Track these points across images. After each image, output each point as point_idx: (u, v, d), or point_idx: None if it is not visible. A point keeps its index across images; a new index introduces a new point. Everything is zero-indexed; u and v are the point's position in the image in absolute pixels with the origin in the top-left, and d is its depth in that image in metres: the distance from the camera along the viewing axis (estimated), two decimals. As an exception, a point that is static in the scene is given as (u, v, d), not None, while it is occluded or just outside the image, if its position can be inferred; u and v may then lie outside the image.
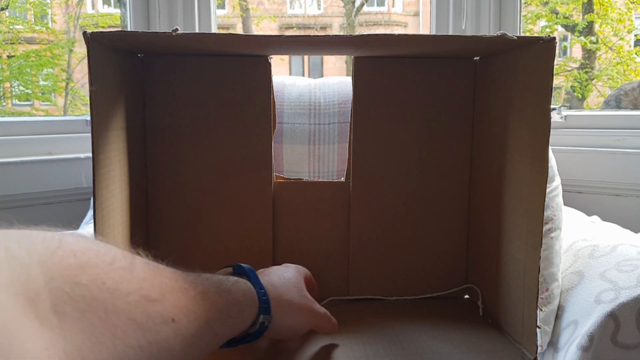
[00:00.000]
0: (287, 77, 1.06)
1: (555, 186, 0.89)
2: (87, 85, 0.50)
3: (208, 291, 0.36)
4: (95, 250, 0.26)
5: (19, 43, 2.68)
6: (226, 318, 0.38)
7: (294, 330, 0.51)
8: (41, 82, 2.78)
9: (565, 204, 0.96)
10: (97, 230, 0.50)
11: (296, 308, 0.49)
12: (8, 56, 2.74)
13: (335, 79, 1.03)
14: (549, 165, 0.66)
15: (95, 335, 0.24)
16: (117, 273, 0.27)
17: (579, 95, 2.37)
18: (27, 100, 2.85)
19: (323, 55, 0.62)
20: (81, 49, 2.67)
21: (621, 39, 2.39)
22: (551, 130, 0.50)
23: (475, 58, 0.67)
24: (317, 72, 4.17)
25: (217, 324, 0.36)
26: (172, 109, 0.65)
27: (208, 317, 0.35)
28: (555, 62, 0.49)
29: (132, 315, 0.26)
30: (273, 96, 0.66)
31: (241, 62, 0.64)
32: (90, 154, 0.49)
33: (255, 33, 0.54)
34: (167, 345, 0.29)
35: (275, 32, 1.23)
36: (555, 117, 1.21)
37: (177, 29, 0.49)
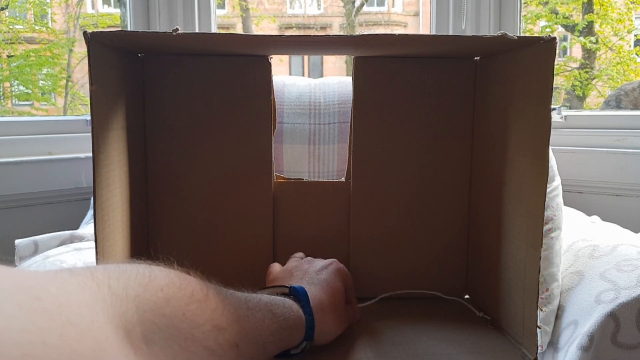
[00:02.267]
0: (287, 77, 1.06)
1: (555, 186, 0.89)
2: (87, 85, 0.50)
3: (265, 317, 0.41)
4: (178, 284, 0.30)
5: (19, 43, 2.68)
6: (278, 341, 0.43)
7: (330, 337, 0.53)
8: (41, 83, 2.78)
9: (565, 204, 0.96)
10: (97, 230, 0.50)
11: (336, 321, 0.53)
12: (8, 56, 2.74)
13: (335, 79, 1.03)
14: (549, 165, 0.66)
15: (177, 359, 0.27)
16: (195, 305, 0.31)
17: (579, 95, 2.38)
18: (27, 100, 2.85)
19: (323, 55, 0.62)
20: (81, 49, 2.67)
21: (621, 39, 2.39)
22: (551, 130, 0.50)
23: (475, 58, 0.67)
24: (317, 72, 4.18)
25: (270, 347, 0.42)
26: (172, 109, 0.65)
27: (265, 342, 0.40)
28: (555, 62, 0.49)
29: (205, 342, 0.30)
30: (273, 96, 0.66)
31: (241, 62, 0.64)
32: (90, 154, 0.50)
33: (255, 33, 0.54)
34: None
35: (275, 32, 1.23)
36: (555, 117, 1.21)
37: (177, 29, 0.49)
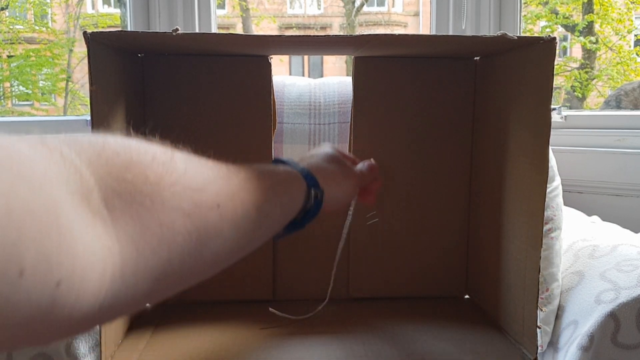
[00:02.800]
0: (287, 77, 1.06)
1: (555, 186, 0.89)
2: (87, 86, 0.50)
3: (250, 176, 0.36)
4: (136, 148, 0.27)
5: (19, 43, 2.68)
6: (273, 197, 0.37)
7: (344, 199, 0.50)
8: (41, 83, 2.78)
9: (565, 204, 0.96)
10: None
11: (340, 176, 0.49)
12: (8, 56, 2.74)
13: (335, 79, 1.03)
14: (549, 165, 0.66)
15: (144, 223, 0.25)
16: (159, 167, 0.28)
17: (579, 95, 2.37)
18: (27, 100, 2.85)
19: (323, 55, 0.62)
20: (81, 49, 2.67)
21: (621, 38, 2.39)
22: (551, 130, 0.50)
23: (475, 58, 0.67)
24: (317, 72, 4.17)
25: (266, 205, 0.36)
26: (172, 109, 0.65)
27: (255, 200, 0.35)
28: (555, 62, 0.49)
29: (177, 203, 0.27)
30: (273, 96, 0.66)
31: (241, 62, 0.64)
32: (90, 154, 0.49)
33: (255, 33, 0.54)
34: (215, 230, 0.30)
35: (275, 32, 1.23)
36: (555, 117, 1.21)
37: (177, 29, 0.49)
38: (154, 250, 0.26)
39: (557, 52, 0.50)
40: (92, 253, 0.21)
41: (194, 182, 0.30)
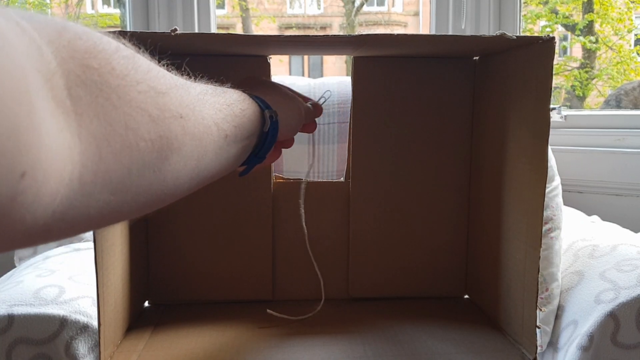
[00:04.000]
0: (287, 77, 1.06)
1: (555, 186, 0.89)
2: (86, 86, 0.50)
3: (207, 91, 0.35)
4: (99, 36, 0.25)
5: (19, 43, 2.68)
6: (231, 117, 0.36)
7: (295, 123, 0.50)
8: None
9: (565, 204, 0.96)
10: (96, 230, 0.50)
11: (287, 100, 0.49)
12: (8, 56, 2.73)
13: (335, 79, 1.03)
14: (549, 165, 0.66)
15: (109, 122, 0.23)
16: (124, 60, 0.25)
17: (579, 94, 2.37)
18: (27, 100, 2.84)
19: (323, 55, 0.62)
20: (81, 49, 2.66)
21: (621, 38, 2.39)
22: (551, 130, 0.50)
23: (475, 58, 0.67)
24: (317, 72, 4.17)
25: (224, 124, 0.35)
26: (172, 109, 0.65)
27: (214, 116, 0.34)
28: (555, 62, 0.49)
29: (143, 105, 0.25)
30: (272, 96, 0.66)
31: (241, 62, 0.64)
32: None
33: (255, 33, 0.54)
34: (177, 142, 0.28)
35: (275, 32, 1.23)
36: (555, 117, 1.21)
37: (176, 29, 0.49)
38: (116, 155, 0.23)
39: (557, 51, 0.50)
40: (55, 147, 0.19)
41: (158, 84, 0.27)
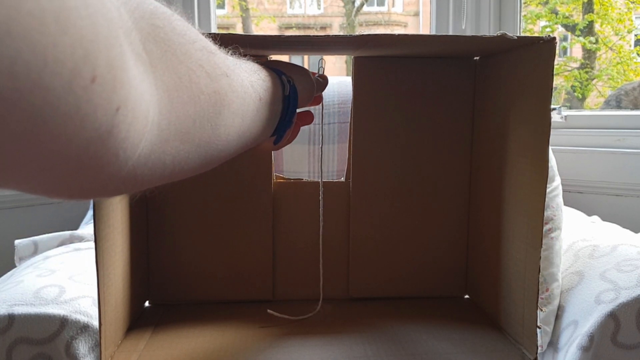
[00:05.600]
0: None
1: (555, 186, 0.90)
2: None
3: (238, 58, 0.38)
4: (156, 2, 0.27)
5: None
6: (261, 82, 0.39)
7: (308, 93, 0.52)
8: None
9: (565, 204, 0.96)
10: (97, 230, 0.50)
11: (298, 68, 0.52)
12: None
13: (335, 79, 1.03)
14: (549, 165, 0.66)
15: (178, 75, 0.25)
16: (180, 22, 0.27)
17: (579, 95, 2.37)
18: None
19: (323, 55, 0.62)
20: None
21: (621, 38, 2.39)
22: (551, 130, 0.50)
23: (475, 58, 0.67)
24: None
25: (257, 87, 0.37)
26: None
27: (249, 79, 0.36)
28: (555, 62, 0.49)
29: (201, 62, 0.27)
30: (273, 96, 0.66)
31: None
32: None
33: (255, 33, 0.54)
34: (227, 99, 0.30)
35: (275, 32, 1.23)
36: (555, 117, 1.21)
37: (176, 29, 0.49)
38: (184, 105, 0.25)
39: (557, 52, 0.50)
40: (140, 91, 0.21)
41: (207, 44, 0.30)
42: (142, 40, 0.23)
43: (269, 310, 0.62)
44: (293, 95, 0.46)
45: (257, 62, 0.42)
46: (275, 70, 0.45)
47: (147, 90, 0.22)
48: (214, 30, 1.27)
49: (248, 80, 0.36)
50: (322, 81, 0.59)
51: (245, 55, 0.40)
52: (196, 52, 0.27)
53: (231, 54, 0.37)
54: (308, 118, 0.57)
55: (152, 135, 0.23)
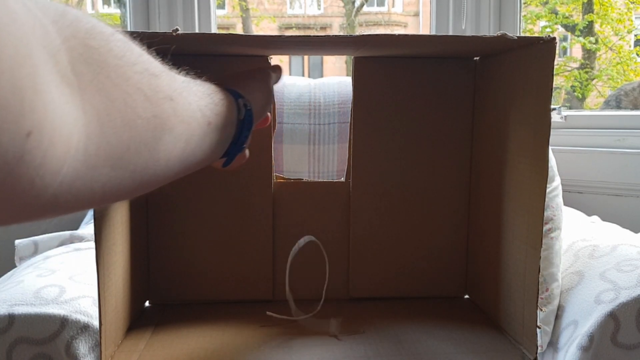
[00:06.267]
0: (287, 77, 1.06)
1: (555, 186, 0.90)
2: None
3: (190, 80, 0.36)
4: (96, 20, 0.26)
5: (19, 43, 2.68)
6: (213, 105, 0.38)
7: (264, 106, 0.51)
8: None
9: (565, 204, 0.96)
10: (97, 230, 0.50)
11: (256, 81, 0.51)
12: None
13: (335, 79, 1.03)
14: (549, 165, 0.66)
15: (110, 98, 0.24)
16: (120, 43, 0.26)
17: (579, 95, 2.37)
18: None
19: (323, 55, 0.62)
20: (81, 49, 2.66)
21: (621, 39, 2.39)
22: (551, 130, 0.50)
23: (475, 58, 0.67)
24: (317, 72, 4.17)
25: (207, 111, 0.36)
26: (172, 109, 0.65)
27: (198, 103, 0.35)
28: (555, 62, 0.49)
29: (139, 85, 0.26)
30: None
31: (241, 62, 0.64)
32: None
33: (255, 33, 0.54)
34: (169, 123, 0.29)
35: (275, 32, 1.23)
36: (555, 117, 1.21)
37: (177, 29, 0.49)
38: (116, 130, 0.24)
39: (557, 52, 0.50)
40: (61, 115, 0.20)
41: (151, 66, 0.29)
42: (72, 61, 0.22)
43: (268, 313, 0.63)
44: (248, 120, 0.45)
45: (214, 84, 0.41)
46: (233, 92, 0.44)
47: (71, 114, 0.21)
48: (214, 30, 1.27)
49: (197, 104, 0.34)
50: (277, 73, 0.57)
51: (203, 76, 0.39)
52: (135, 74, 0.26)
53: (185, 75, 0.36)
54: (263, 122, 0.56)
55: (77, 161, 0.22)
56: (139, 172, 0.28)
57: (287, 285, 0.63)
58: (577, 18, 2.37)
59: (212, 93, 0.39)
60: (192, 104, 0.34)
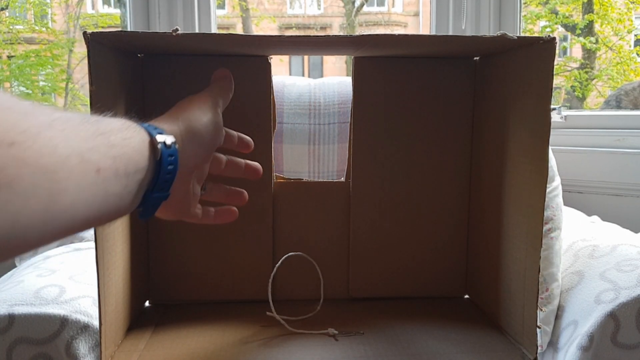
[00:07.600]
0: (287, 77, 1.06)
1: (555, 186, 0.90)
2: (87, 86, 0.50)
3: (70, 119, 0.30)
4: None
5: (19, 43, 2.68)
6: (106, 148, 0.31)
7: (208, 130, 0.44)
8: (41, 83, 2.78)
9: (565, 204, 0.96)
10: (97, 230, 0.50)
11: (200, 111, 0.43)
12: (8, 56, 2.74)
13: (335, 79, 1.03)
14: (549, 165, 0.66)
15: None
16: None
17: (579, 95, 2.37)
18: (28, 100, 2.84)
19: (323, 55, 0.62)
20: (81, 49, 2.67)
21: (621, 39, 2.39)
22: (551, 130, 0.50)
23: (475, 58, 0.67)
24: (317, 72, 4.17)
25: (94, 155, 0.30)
26: (172, 109, 0.65)
27: (75, 146, 0.28)
28: (555, 62, 0.49)
29: None
30: (273, 96, 0.66)
31: (241, 62, 0.64)
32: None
33: (255, 33, 0.54)
34: (5, 177, 0.24)
35: (275, 32, 1.23)
36: (555, 117, 1.21)
37: (177, 29, 0.49)
38: None
39: (557, 52, 0.50)
40: None
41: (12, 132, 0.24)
42: None
43: (268, 313, 0.62)
44: (167, 161, 0.38)
45: (127, 119, 0.36)
46: (150, 128, 0.38)
47: None
48: (214, 30, 1.27)
49: (73, 148, 0.28)
50: (227, 84, 0.51)
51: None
52: None
53: (84, 114, 0.31)
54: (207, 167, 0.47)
55: None
56: None
57: (269, 287, 0.63)
58: (577, 18, 2.37)
59: (110, 131, 0.32)
60: (62, 147, 0.27)
